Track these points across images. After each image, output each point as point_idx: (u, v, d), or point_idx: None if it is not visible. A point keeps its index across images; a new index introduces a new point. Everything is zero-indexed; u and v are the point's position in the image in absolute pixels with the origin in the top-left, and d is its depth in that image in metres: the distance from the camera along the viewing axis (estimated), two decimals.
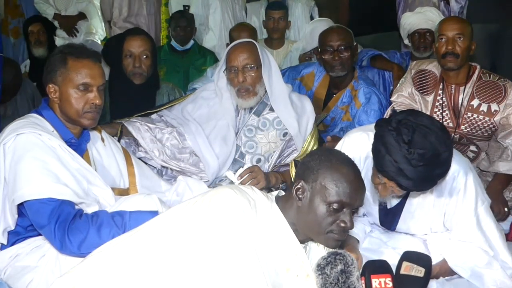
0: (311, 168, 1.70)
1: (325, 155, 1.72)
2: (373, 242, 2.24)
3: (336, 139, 2.69)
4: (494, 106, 2.70)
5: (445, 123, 2.75)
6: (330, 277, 1.67)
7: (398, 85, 2.99)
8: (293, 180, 2.35)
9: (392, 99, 2.98)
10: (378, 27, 5.34)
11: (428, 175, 1.82)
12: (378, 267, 1.90)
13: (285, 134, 2.70)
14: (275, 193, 1.81)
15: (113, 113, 2.92)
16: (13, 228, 1.95)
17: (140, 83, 2.91)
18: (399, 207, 2.16)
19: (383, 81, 3.59)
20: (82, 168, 1.99)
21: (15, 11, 5.34)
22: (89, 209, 1.94)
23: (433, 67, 2.85)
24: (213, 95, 2.80)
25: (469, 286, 2.07)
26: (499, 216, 2.56)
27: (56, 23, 5.12)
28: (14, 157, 1.89)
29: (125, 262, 1.58)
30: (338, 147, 2.20)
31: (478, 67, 2.79)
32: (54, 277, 1.73)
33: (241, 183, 2.43)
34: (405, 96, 2.90)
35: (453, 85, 2.79)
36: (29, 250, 1.95)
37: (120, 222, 1.89)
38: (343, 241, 1.85)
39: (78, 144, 2.08)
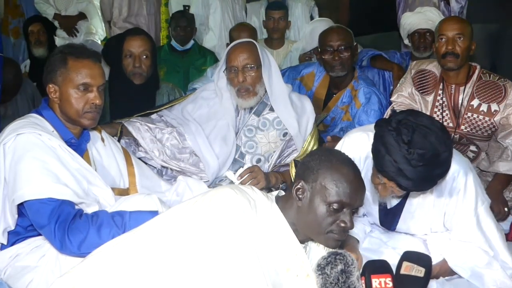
0: (311, 168, 1.70)
1: (325, 155, 1.72)
2: (373, 242, 2.24)
3: (336, 139, 2.69)
4: (494, 106, 2.70)
5: (445, 123, 2.75)
6: (330, 277, 1.67)
7: (398, 85, 2.99)
8: (293, 180, 2.35)
9: (392, 99, 2.98)
10: (378, 27, 5.34)
11: (428, 175, 1.82)
12: (378, 267, 1.90)
13: (285, 134, 2.70)
14: (275, 193, 1.81)
15: (113, 113, 2.92)
16: (13, 228, 1.95)
17: (140, 83, 2.91)
18: (399, 207, 2.16)
19: (383, 81, 3.59)
20: (82, 168, 1.99)
21: (16, 11, 5.34)
22: (89, 209, 1.94)
23: (433, 67, 2.85)
24: (213, 95, 2.80)
25: (469, 286, 2.07)
26: (499, 216, 2.56)
27: (56, 23, 5.12)
28: (14, 157, 1.89)
29: (125, 262, 1.58)
30: (338, 147, 2.20)
31: (478, 67, 2.79)
32: (54, 277, 1.73)
33: (241, 183, 2.43)
34: (405, 96, 2.90)
35: (453, 85, 2.79)
36: (29, 250, 1.95)
37: (120, 222, 1.89)
38: (343, 241, 1.85)
39: (78, 144, 2.08)
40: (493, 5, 4.12)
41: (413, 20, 3.87)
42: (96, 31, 5.40)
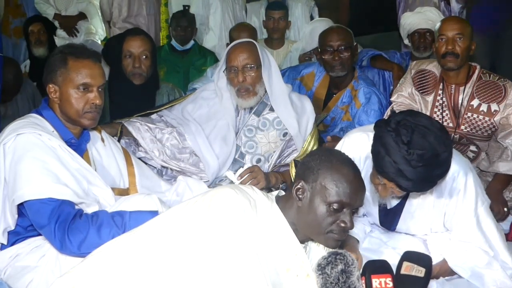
0: (311, 168, 1.70)
1: (325, 155, 1.72)
2: (373, 242, 2.24)
3: (336, 139, 2.69)
4: (494, 106, 2.70)
5: (445, 123, 2.75)
6: (330, 277, 1.67)
7: (398, 85, 2.99)
8: (293, 180, 2.35)
9: (392, 99, 2.98)
10: (378, 27, 5.35)
11: (427, 175, 1.82)
12: (378, 267, 1.90)
13: (285, 134, 2.70)
14: (275, 193, 1.81)
15: (113, 113, 2.92)
16: (13, 228, 1.95)
17: (139, 83, 2.91)
18: (399, 208, 2.16)
19: (383, 81, 3.59)
20: (82, 168, 1.99)
21: (17, 11, 5.34)
22: (89, 209, 1.94)
23: (433, 67, 2.85)
24: (213, 95, 2.80)
25: (469, 286, 2.07)
26: (498, 216, 2.56)
27: (56, 23, 5.12)
28: (14, 157, 1.89)
29: (125, 262, 1.58)
30: (338, 147, 2.20)
31: (478, 67, 2.79)
32: (54, 277, 1.73)
33: (241, 183, 2.43)
34: (405, 96, 2.90)
35: (453, 85, 2.79)
36: (29, 250, 1.95)
37: (120, 222, 1.89)
38: (343, 241, 1.85)
39: (78, 144, 2.08)
40: (493, 5, 4.12)
41: (413, 20, 3.87)
42: (96, 31, 5.40)
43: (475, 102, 2.74)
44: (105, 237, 1.82)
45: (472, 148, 2.84)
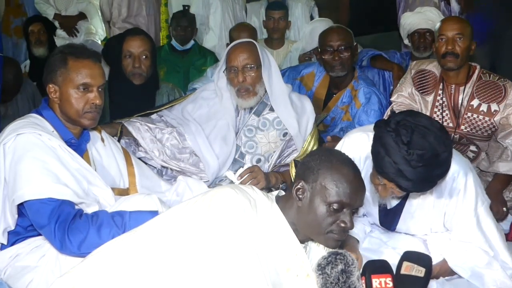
0: (311, 168, 1.70)
1: (325, 155, 1.72)
2: (373, 242, 2.24)
3: (336, 139, 2.69)
4: (494, 106, 2.70)
5: (445, 123, 2.75)
6: (330, 277, 1.67)
7: (398, 85, 2.99)
8: (293, 180, 2.36)
9: (392, 99, 2.98)
10: (378, 27, 5.35)
11: (427, 175, 1.82)
12: (378, 267, 1.90)
13: (285, 134, 2.70)
14: (275, 193, 1.81)
15: (113, 113, 2.92)
16: (13, 228, 1.95)
17: (139, 83, 2.91)
18: (399, 208, 2.16)
19: (383, 81, 3.59)
20: (82, 168, 1.99)
21: (17, 10, 5.34)
22: (89, 209, 1.94)
23: (433, 67, 2.85)
24: (213, 95, 2.80)
25: (469, 286, 2.07)
26: (497, 216, 2.55)
27: (56, 23, 5.12)
28: (14, 157, 1.89)
29: (125, 262, 1.58)
30: (338, 147, 2.20)
31: (478, 67, 2.79)
32: (54, 277, 1.73)
33: (241, 183, 2.43)
34: (405, 96, 2.90)
35: (453, 85, 2.79)
36: (29, 250, 1.95)
37: (120, 222, 1.89)
38: (343, 241, 1.85)
39: (78, 144, 2.08)
40: (493, 5, 4.12)
41: (413, 20, 3.87)
42: (96, 31, 5.41)
43: (475, 102, 2.74)
44: (105, 237, 1.82)
45: (472, 148, 2.84)
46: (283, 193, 1.84)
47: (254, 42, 2.73)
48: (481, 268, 2.06)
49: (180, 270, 1.55)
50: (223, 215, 1.59)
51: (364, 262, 1.98)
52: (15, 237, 1.98)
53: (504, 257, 2.09)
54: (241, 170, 2.50)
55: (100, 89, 2.05)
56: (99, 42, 5.27)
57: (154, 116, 2.81)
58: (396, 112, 1.93)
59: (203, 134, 2.70)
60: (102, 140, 2.24)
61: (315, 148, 2.67)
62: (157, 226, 1.65)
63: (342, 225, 1.68)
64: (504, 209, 2.66)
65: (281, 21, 4.46)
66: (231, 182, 2.48)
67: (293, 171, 2.58)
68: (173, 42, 4.47)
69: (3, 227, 1.93)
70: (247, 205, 1.62)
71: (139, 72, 2.89)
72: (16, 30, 5.21)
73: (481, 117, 2.73)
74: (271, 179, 2.57)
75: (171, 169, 2.69)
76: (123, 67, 2.90)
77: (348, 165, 1.72)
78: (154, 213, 1.91)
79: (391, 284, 1.85)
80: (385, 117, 2.90)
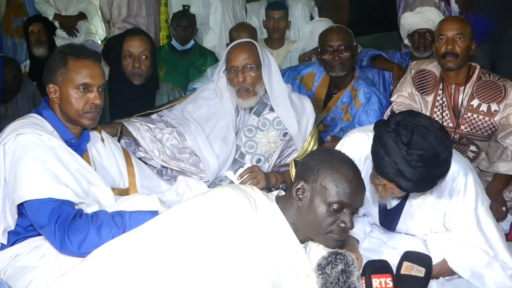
0: (311, 168, 1.70)
1: (325, 155, 1.72)
2: (373, 242, 2.24)
3: (336, 139, 2.69)
4: (494, 106, 2.70)
5: (445, 123, 2.75)
6: (330, 277, 1.67)
7: (398, 85, 2.99)
8: (293, 180, 2.35)
9: (392, 99, 2.98)
10: (378, 27, 5.35)
11: (427, 176, 1.82)
12: (378, 267, 1.90)
13: (285, 134, 2.70)
14: (275, 193, 1.81)
15: (113, 113, 2.92)
16: (13, 228, 1.95)
17: (139, 83, 2.91)
18: (399, 208, 2.16)
19: (383, 81, 3.59)
20: (82, 168, 1.99)
21: (18, 10, 5.34)
22: (89, 209, 1.94)
23: (433, 67, 2.85)
24: (213, 95, 2.80)
25: (469, 286, 2.07)
26: (496, 215, 2.55)
27: (56, 23, 5.12)
28: (14, 157, 1.89)
29: (125, 262, 1.58)
30: (338, 147, 2.20)
31: (478, 67, 2.79)
32: (54, 277, 1.73)
33: (241, 183, 2.43)
34: (405, 96, 2.90)
35: (453, 85, 2.79)
36: (29, 250, 1.95)
37: (120, 222, 1.89)
38: (343, 241, 1.85)
39: (78, 144, 2.08)
40: (493, 5, 4.12)
41: (413, 20, 3.87)
42: (96, 31, 5.41)
43: (475, 102, 2.74)
44: (105, 237, 1.82)
45: (472, 148, 2.84)
46: (283, 193, 1.84)
47: (254, 42, 2.72)
48: (481, 268, 2.06)
49: (180, 270, 1.55)
50: (223, 215, 1.59)
51: (364, 262, 1.98)
52: (15, 237, 1.98)
53: (504, 257, 2.09)
54: (241, 170, 2.49)
55: (100, 89, 2.05)
56: (99, 42, 5.27)
57: (154, 116, 2.81)
58: (396, 112, 1.93)
59: (203, 134, 2.70)
60: (102, 140, 2.24)
61: (315, 148, 2.67)
62: (157, 226, 1.65)
63: (342, 225, 1.68)
64: (504, 208, 2.66)
65: (281, 21, 4.46)
66: (231, 182, 2.48)
67: (293, 171, 2.58)
68: (173, 42, 4.47)
69: (3, 227, 1.93)
70: (247, 205, 1.62)
71: (139, 72, 2.89)
72: (17, 29, 5.21)
73: (481, 117, 2.73)
74: (271, 179, 2.57)
75: (171, 169, 2.69)
76: (123, 67, 2.90)
77: (348, 165, 1.72)
78: (154, 213, 1.91)
79: (391, 284, 1.85)
80: (385, 117, 2.90)
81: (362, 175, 1.76)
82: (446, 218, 2.12)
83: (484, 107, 2.72)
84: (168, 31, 4.77)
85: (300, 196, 1.70)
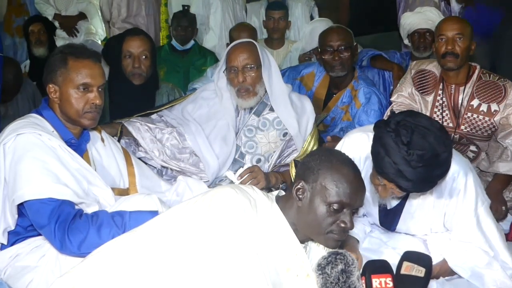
0: (311, 168, 1.70)
1: (325, 155, 1.72)
2: (373, 242, 2.24)
3: (336, 139, 2.69)
4: (494, 106, 2.70)
5: (445, 123, 2.75)
6: (330, 277, 1.67)
7: (398, 85, 2.99)
8: (293, 180, 2.35)
9: (392, 99, 2.98)
10: (378, 27, 5.35)
11: (427, 176, 1.82)
12: (378, 267, 1.90)
13: (285, 134, 2.70)
14: (275, 193, 1.81)
15: (113, 113, 2.92)
16: (13, 228, 1.94)
17: (139, 83, 2.91)
18: (399, 208, 2.16)
19: (383, 81, 3.59)
20: (82, 168, 1.99)
21: (20, 10, 5.34)
22: (89, 209, 1.94)
23: (433, 67, 2.85)
24: (213, 95, 2.80)
25: (469, 286, 2.07)
26: (496, 215, 2.55)
27: (56, 23, 5.12)
28: (14, 157, 1.89)
29: (125, 262, 1.58)
30: (338, 147, 2.20)
31: (478, 67, 2.79)
32: (54, 277, 1.73)
33: (241, 183, 2.43)
34: (405, 96, 2.90)
35: (453, 85, 2.79)
36: (29, 250, 1.95)
37: (120, 222, 1.89)
38: (343, 241, 1.85)
39: (78, 144, 2.08)
40: (493, 5, 4.12)
41: (413, 20, 3.87)
42: (96, 31, 5.41)
43: (475, 102, 2.74)
44: (105, 237, 1.82)
45: (472, 148, 2.84)
46: (283, 193, 1.84)
47: (254, 42, 2.72)
48: (481, 268, 2.06)
49: (180, 270, 1.55)
50: (223, 215, 1.59)
51: (364, 262, 1.98)
52: (15, 237, 1.98)
53: (504, 257, 2.09)
54: (241, 170, 2.49)
55: (100, 89, 2.05)
56: (99, 42, 5.26)
57: (154, 116, 2.81)
58: (396, 112, 1.93)
59: (203, 134, 2.70)
60: (102, 140, 2.24)
61: (315, 148, 2.67)
62: (157, 226, 1.65)
63: (342, 225, 1.68)
64: (503, 208, 2.66)
65: (281, 21, 4.46)
66: (231, 182, 2.48)
67: (293, 171, 2.58)
68: (173, 42, 4.47)
69: (3, 227, 1.93)
70: (247, 205, 1.62)
71: (139, 72, 2.89)
72: (18, 29, 5.20)
73: (481, 117, 2.73)
74: (271, 179, 2.57)
75: (171, 169, 2.69)
76: (123, 67, 2.90)
77: (348, 165, 1.72)
78: (154, 213, 1.91)
79: (391, 284, 1.85)
80: (385, 117, 2.90)
81: (362, 175, 1.76)
82: (446, 218, 2.12)
83: (484, 107, 2.72)
84: (168, 31, 4.76)
85: (300, 196, 1.70)
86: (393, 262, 1.96)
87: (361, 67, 3.61)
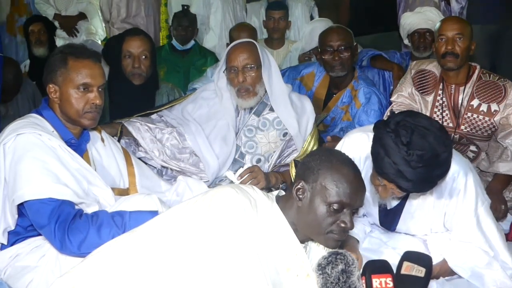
0: (312, 168, 1.70)
1: (325, 155, 1.72)
2: (373, 242, 2.24)
3: (336, 139, 2.69)
4: (494, 106, 2.70)
5: (445, 123, 2.75)
6: (331, 277, 1.67)
7: (398, 85, 2.99)
8: (293, 180, 2.35)
9: (392, 99, 2.98)
10: (378, 27, 5.35)
11: (427, 176, 1.82)
12: (378, 267, 1.90)
13: (285, 134, 2.70)
14: (275, 193, 1.81)
15: (113, 113, 2.92)
16: (13, 228, 1.94)
17: (139, 83, 2.91)
18: (399, 208, 2.16)
19: (383, 81, 3.59)
20: (82, 168, 1.99)
21: (23, 9, 5.34)
22: (89, 209, 1.94)
23: (433, 67, 2.85)
24: (213, 95, 2.80)
25: (469, 286, 2.07)
26: (495, 214, 2.55)
27: (56, 23, 5.12)
28: (14, 157, 1.89)
29: (125, 262, 1.58)
30: (338, 147, 2.20)
31: (478, 67, 2.79)
32: (54, 277, 1.73)
33: (241, 183, 2.43)
34: (405, 96, 2.90)
35: (453, 85, 2.79)
36: (29, 250, 1.95)
37: (120, 222, 1.89)
38: (343, 241, 1.85)
39: (78, 144, 2.08)
40: (493, 5, 4.12)
41: (413, 20, 3.87)
42: (96, 31, 5.41)
43: (475, 102, 2.74)
44: (105, 237, 1.82)
45: (472, 148, 2.84)
46: (283, 193, 1.84)
47: (254, 42, 2.73)
48: (481, 268, 2.06)
49: (180, 270, 1.55)
50: (223, 215, 1.59)
51: (364, 262, 1.98)
52: (15, 237, 1.98)
53: (504, 257, 2.09)
54: (241, 170, 2.49)
55: (100, 89, 2.05)
56: (99, 42, 5.26)
57: (154, 116, 2.81)
58: (396, 112, 1.93)
59: (203, 134, 2.70)
60: (102, 140, 2.24)
61: (315, 148, 2.67)
62: (157, 226, 1.65)
63: (342, 225, 1.68)
64: (502, 206, 2.66)
65: (281, 21, 4.46)
66: (231, 182, 2.48)
67: (293, 171, 2.58)
68: (174, 42, 4.47)
69: (3, 227, 1.93)
70: (247, 205, 1.62)
71: (139, 72, 2.89)
72: (20, 29, 5.20)
73: (481, 117, 2.73)
74: (271, 179, 2.57)
75: (171, 169, 2.69)
76: (123, 67, 2.90)
77: (348, 165, 1.72)
78: (154, 213, 1.91)
79: (391, 284, 1.85)
80: (385, 117, 2.90)
81: (362, 175, 1.76)
82: (446, 218, 2.12)
83: (484, 107, 2.72)
84: (168, 31, 4.76)
85: (300, 196, 1.70)
86: (393, 262, 1.96)
87: (361, 67, 3.61)
